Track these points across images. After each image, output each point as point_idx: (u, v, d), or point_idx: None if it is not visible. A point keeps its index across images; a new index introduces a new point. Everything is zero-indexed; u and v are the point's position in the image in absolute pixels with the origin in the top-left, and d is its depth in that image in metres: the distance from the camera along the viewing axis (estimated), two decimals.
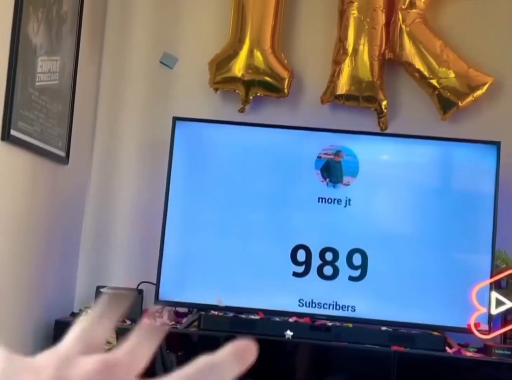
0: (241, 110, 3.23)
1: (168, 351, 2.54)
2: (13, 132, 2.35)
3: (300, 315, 2.90)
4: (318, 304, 2.93)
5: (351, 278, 2.94)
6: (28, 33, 2.43)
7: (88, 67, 3.14)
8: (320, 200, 2.98)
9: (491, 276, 2.89)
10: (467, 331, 2.86)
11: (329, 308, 2.93)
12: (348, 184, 2.99)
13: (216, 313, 2.87)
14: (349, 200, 2.98)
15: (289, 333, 2.77)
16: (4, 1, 2.29)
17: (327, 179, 2.99)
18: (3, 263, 2.41)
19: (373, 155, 3.05)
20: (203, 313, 2.84)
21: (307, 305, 2.94)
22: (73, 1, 2.86)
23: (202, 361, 0.41)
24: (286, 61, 3.24)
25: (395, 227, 3.00)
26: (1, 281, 2.41)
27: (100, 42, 3.31)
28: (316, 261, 2.94)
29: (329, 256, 2.95)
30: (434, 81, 3.17)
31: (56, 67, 2.73)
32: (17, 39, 2.34)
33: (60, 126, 2.82)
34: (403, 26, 3.18)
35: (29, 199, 2.59)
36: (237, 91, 3.22)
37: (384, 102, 3.18)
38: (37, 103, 2.55)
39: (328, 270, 2.95)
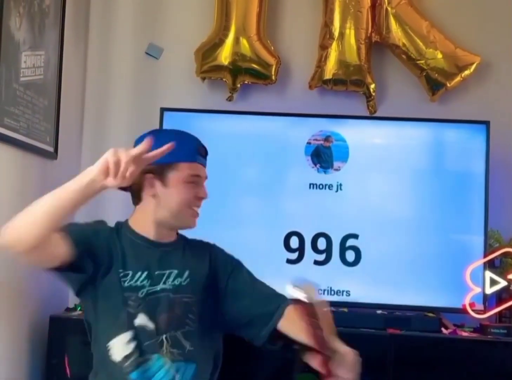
0: (229, 99, 3.22)
1: None
2: None
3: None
4: None
5: (345, 263, 2.94)
6: (10, 28, 2.40)
7: (73, 60, 3.12)
8: (311, 185, 2.98)
9: (485, 256, 2.90)
10: (462, 311, 2.87)
11: (323, 293, 2.93)
12: (339, 169, 2.98)
13: None
14: (340, 184, 2.97)
15: None
16: None
17: (318, 165, 2.99)
18: None
19: (363, 139, 3.04)
20: None
21: None
22: None
23: None
24: (272, 48, 3.22)
25: (388, 210, 2.99)
26: None
27: (84, 35, 3.28)
28: (309, 247, 2.94)
29: (322, 242, 2.95)
30: (421, 63, 3.16)
31: (41, 62, 2.70)
32: None
33: (47, 121, 2.80)
34: (389, 8, 3.16)
35: (18, 195, 2.57)
36: (224, 79, 3.20)
37: (372, 86, 3.17)
38: (22, 98, 2.52)
39: (321, 256, 2.95)
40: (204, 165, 1.92)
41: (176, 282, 1.83)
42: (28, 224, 1.57)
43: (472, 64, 3.14)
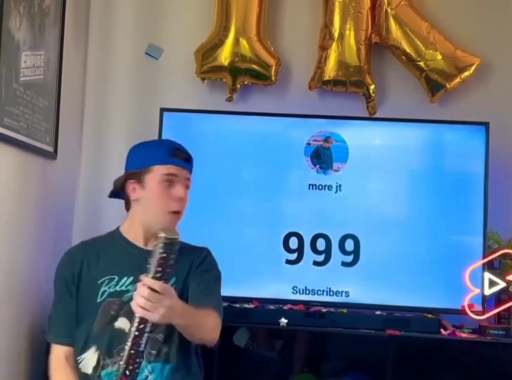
0: (229, 99, 3.22)
1: None
2: None
3: (294, 302, 2.91)
4: (312, 290, 2.94)
5: (344, 264, 2.94)
6: (10, 28, 2.40)
7: (73, 60, 3.12)
8: (311, 186, 2.98)
9: (484, 257, 2.90)
10: (461, 312, 2.87)
11: (323, 294, 2.93)
12: (338, 170, 2.99)
13: None
14: (340, 185, 2.98)
15: (283, 321, 2.78)
16: None
17: (317, 166, 2.99)
18: None
19: (363, 140, 3.04)
20: None
21: (301, 292, 2.94)
22: None
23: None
24: (272, 49, 3.22)
25: (387, 211, 3.00)
26: None
27: (84, 35, 3.28)
28: (308, 248, 2.95)
29: (321, 243, 2.95)
30: (421, 64, 3.16)
31: (41, 62, 2.70)
32: None
33: (47, 121, 2.80)
34: (389, 10, 3.17)
35: (18, 195, 2.58)
36: (224, 80, 3.20)
37: (372, 87, 3.17)
38: (22, 98, 2.52)
39: (320, 256, 2.95)
40: (184, 168, 1.97)
41: None
42: None
43: (471, 65, 3.15)
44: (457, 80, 3.15)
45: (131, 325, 1.59)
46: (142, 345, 1.58)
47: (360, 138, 3.03)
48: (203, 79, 3.23)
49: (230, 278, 2.94)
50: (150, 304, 1.57)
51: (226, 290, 2.88)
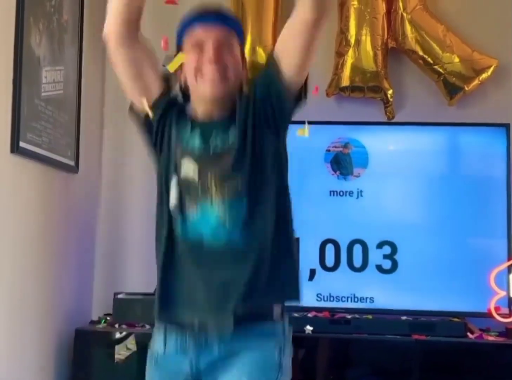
0: None
1: None
2: (22, 144, 2.35)
3: (319, 309, 2.90)
4: (336, 297, 2.93)
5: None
6: (31, 44, 2.43)
7: (92, 74, 3.14)
8: (332, 193, 2.98)
9: (509, 259, 2.88)
10: (487, 315, 2.85)
11: (347, 300, 2.92)
12: (359, 176, 2.99)
13: None
14: (361, 191, 2.97)
15: (309, 328, 2.77)
16: (5, 13, 2.30)
17: (337, 172, 2.99)
18: (19, 275, 2.42)
19: (382, 145, 3.04)
20: None
21: (325, 299, 2.93)
22: (73, 10, 2.87)
23: None
24: None
25: (409, 216, 2.99)
26: (19, 292, 2.42)
27: (102, 49, 3.28)
28: (330, 254, 2.94)
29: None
30: (438, 67, 3.15)
31: (61, 77, 2.73)
32: (21, 52, 2.35)
33: (68, 136, 2.82)
34: (404, 14, 3.17)
35: (41, 209, 2.60)
36: None
37: (390, 92, 3.17)
38: (44, 114, 2.55)
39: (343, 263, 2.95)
40: (212, 24, 1.61)
41: None
42: (109, 13, 1.58)
43: (489, 67, 3.13)
44: (476, 82, 3.14)
45: None
46: None
47: (379, 143, 3.03)
48: None
49: None
50: None
51: None
